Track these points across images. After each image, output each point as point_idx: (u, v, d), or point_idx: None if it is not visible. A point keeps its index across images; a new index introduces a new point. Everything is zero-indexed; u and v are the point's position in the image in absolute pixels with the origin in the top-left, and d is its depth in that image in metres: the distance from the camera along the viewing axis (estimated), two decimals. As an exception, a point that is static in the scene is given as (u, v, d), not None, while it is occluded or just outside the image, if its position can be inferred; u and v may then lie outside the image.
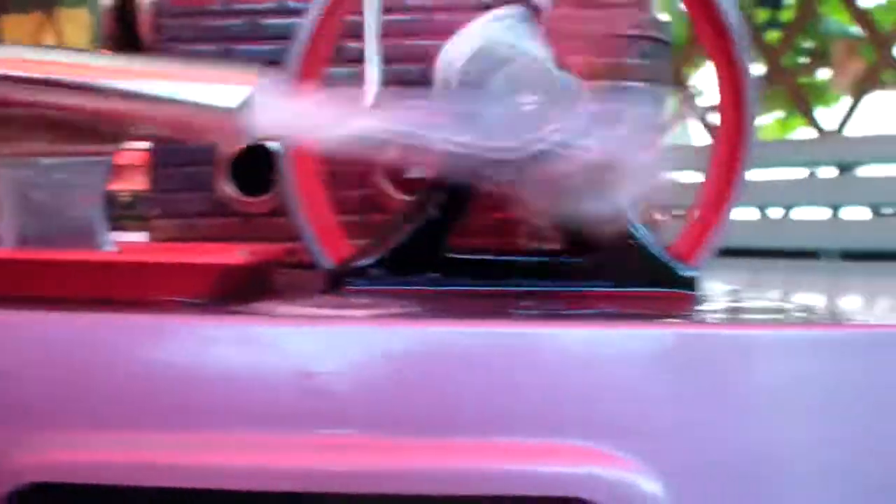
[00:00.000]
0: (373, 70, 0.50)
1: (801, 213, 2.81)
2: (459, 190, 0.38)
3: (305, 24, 0.40)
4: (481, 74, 0.36)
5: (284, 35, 0.55)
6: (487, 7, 0.45)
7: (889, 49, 2.65)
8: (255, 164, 0.54)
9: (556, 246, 0.42)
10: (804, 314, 0.35)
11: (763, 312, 0.36)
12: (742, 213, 2.93)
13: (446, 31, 0.54)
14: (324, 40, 0.41)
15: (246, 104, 0.35)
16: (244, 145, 0.37)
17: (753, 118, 0.40)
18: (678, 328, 0.29)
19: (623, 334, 0.29)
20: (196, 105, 0.35)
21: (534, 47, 0.37)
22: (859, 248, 2.54)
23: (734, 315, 0.35)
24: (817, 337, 0.30)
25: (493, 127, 0.35)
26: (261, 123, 0.35)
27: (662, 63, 0.58)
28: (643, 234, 0.38)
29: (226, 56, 0.55)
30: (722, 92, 0.40)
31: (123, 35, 0.57)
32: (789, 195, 2.75)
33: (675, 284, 0.38)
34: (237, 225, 0.55)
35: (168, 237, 0.55)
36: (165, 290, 0.34)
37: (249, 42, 0.55)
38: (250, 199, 0.55)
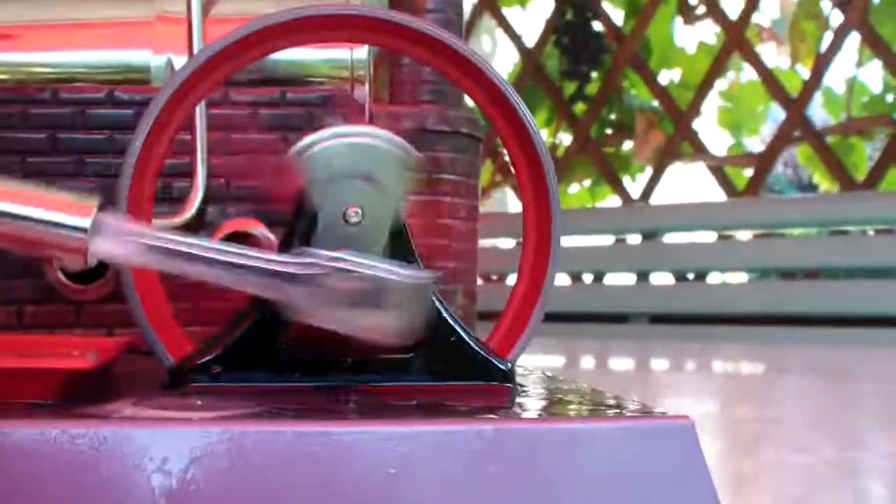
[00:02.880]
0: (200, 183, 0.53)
1: (610, 279, 2.92)
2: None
3: (133, 149, 0.42)
4: None
5: (111, 125, 0.57)
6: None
7: (687, 123, 2.80)
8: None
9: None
10: (613, 406, 0.38)
11: (574, 405, 0.39)
12: (555, 279, 3.02)
13: (271, 127, 0.57)
14: (150, 164, 0.43)
15: (93, 227, 0.37)
16: (89, 265, 0.39)
17: (558, 217, 0.43)
18: (482, 424, 0.32)
19: (431, 432, 0.31)
20: (48, 223, 0.37)
21: None
22: (665, 312, 2.67)
23: (545, 409, 0.38)
24: (626, 429, 0.34)
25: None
26: (103, 247, 0.38)
27: (473, 157, 0.62)
28: (462, 330, 0.41)
29: (52, 145, 0.56)
30: (525, 192, 0.44)
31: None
32: (599, 261, 2.86)
33: (492, 378, 0.41)
34: (68, 312, 0.56)
35: None
36: (11, 394, 0.35)
37: (76, 131, 0.56)
38: (81, 287, 0.56)
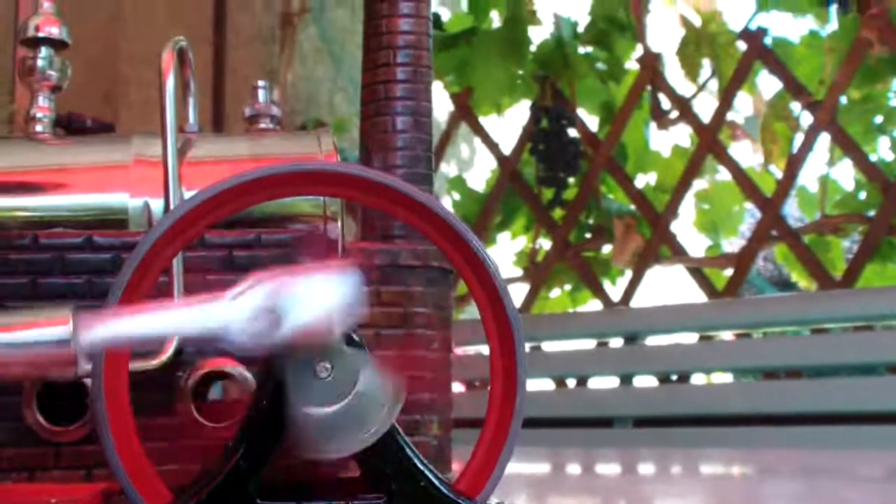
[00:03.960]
0: None
1: (594, 383, 2.92)
2: (264, 442, 0.41)
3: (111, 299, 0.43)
4: None
5: (90, 270, 0.58)
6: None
7: (665, 226, 2.83)
8: (62, 393, 0.56)
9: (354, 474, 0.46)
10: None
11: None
12: (539, 385, 3.04)
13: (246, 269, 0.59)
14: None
15: (74, 332, 0.39)
16: (79, 375, 0.40)
17: (524, 359, 0.45)
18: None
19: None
20: (31, 344, 0.39)
21: None
22: (650, 415, 2.66)
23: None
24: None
25: None
26: (87, 347, 0.39)
27: (444, 289, 0.63)
28: (431, 473, 0.43)
29: (32, 289, 0.58)
30: (491, 340, 0.45)
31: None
32: (582, 366, 2.87)
33: (462, 520, 0.42)
34: (47, 454, 0.56)
35: None
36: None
37: (56, 276, 0.58)
38: (59, 429, 0.56)
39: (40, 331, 0.39)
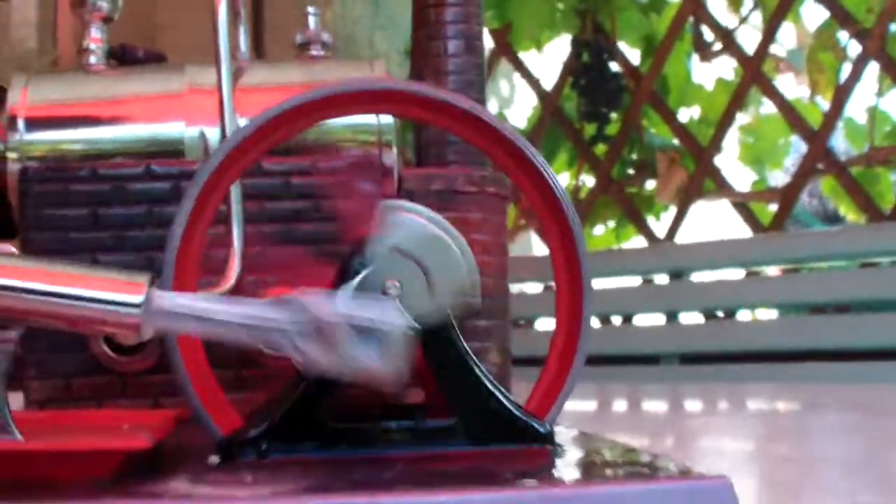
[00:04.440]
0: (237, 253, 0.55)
1: (639, 320, 2.91)
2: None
3: (177, 224, 0.43)
4: None
5: (150, 199, 0.58)
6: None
7: (709, 160, 2.81)
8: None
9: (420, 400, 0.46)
10: (652, 466, 0.39)
11: (613, 466, 0.40)
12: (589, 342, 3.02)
13: (303, 196, 0.59)
14: (196, 235, 0.44)
15: (146, 302, 0.39)
16: (142, 339, 0.40)
17: (589, 282, 0.44)
18: (526, 490, 0.33)
19: (476, 499, 0.32)
20: (102, 302, 0.39)
21: None
22: (696, 351, 2.66)
23: (585, 472, 0.39)
24: (666, 491, 0.34)
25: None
26: (156, 320, 0.39)
27: (500, 216, 0.63)
28: (501, 394, 0.42)
29: (93, 220, 0.58)
30: (556, 259, 0.45)
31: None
32: (627, 303, 2.86)
33: (532, 441, 0.42)
34: (115, 383, 0.57)
35: (44, 398, 0.56)
36: (69, 474, 0.36)
37: (116, 206, 0.58)
38: (125, 359, 0.57)
39: (114, 294, 0.39)
